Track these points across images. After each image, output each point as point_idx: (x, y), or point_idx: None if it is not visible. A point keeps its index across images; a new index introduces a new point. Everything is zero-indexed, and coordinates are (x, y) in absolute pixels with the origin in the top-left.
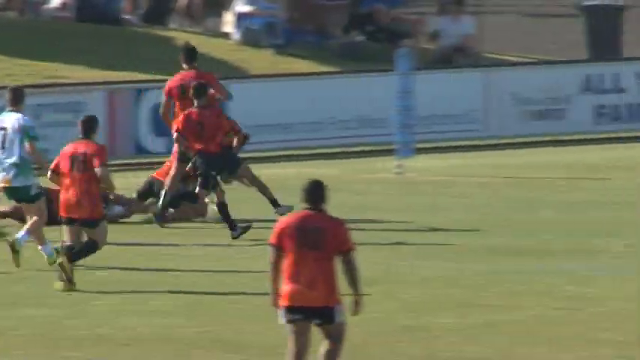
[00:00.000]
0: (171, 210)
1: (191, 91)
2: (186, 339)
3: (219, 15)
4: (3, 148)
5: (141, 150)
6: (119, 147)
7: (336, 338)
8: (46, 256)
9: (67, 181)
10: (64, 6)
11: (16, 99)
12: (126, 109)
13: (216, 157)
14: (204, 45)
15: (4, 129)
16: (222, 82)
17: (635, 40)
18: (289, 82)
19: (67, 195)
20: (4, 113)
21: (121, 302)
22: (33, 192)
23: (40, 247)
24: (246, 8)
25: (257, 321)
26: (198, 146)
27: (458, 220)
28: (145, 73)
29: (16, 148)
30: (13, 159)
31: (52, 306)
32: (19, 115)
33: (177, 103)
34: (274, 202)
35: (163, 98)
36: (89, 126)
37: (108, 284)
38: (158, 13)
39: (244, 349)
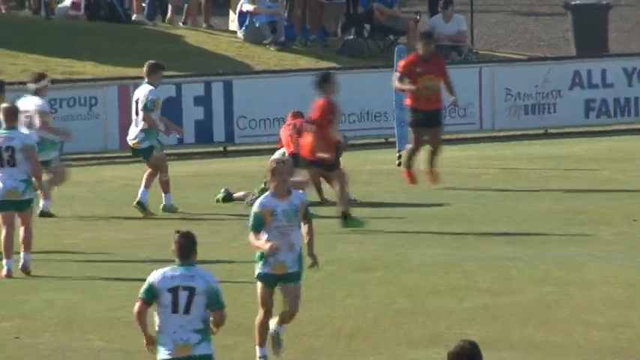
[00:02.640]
0: None
1: None
2: None
3: (225, 13)
4: (137, 115)
5: None
6: None
7: None
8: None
9: None
10: (76, 5)
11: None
12: None
13: None
14: (210, 42)
15: (137, 101)
16: (228, 77)
17: (620, 37)
18: (292, 78)
19: None
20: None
21: (136, 287)
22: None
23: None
24: (250, 7)
25: None
26: None
27: (454, 209)
28: None
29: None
30: (141, 125)
31: (71, 291)
32: (149, 87)
33: None
34: None
35: None
36: None
37: (123, 271)
38: (161, 10)
39: (253, 331)
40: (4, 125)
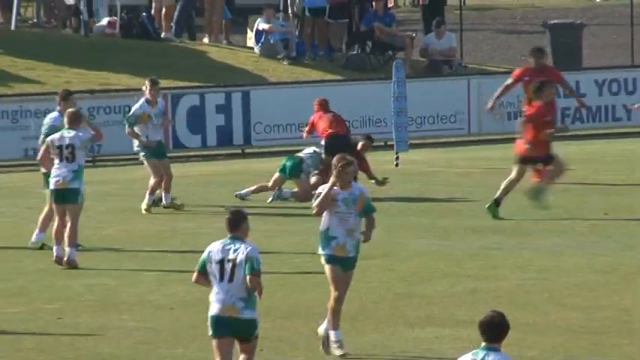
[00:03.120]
0: None
1: None
2: None
3: (244, 32)
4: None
5: (178, 145)
6: None
7: None
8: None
9: None
10: (111, 25)
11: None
12: (165, 110)
13: None
14: (230, 57)
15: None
16: (246, 87)
17: (592, 52)
18: (302, 89)
19: None
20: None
21: (166, 274)
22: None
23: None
24: (265, 26)
25: (284, 289)
26: None
27: (445, 204)
28: (181, 80)
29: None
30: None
31: (108, 277)
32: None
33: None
34: None
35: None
36: None
37: (154, 259)
38: (188, 28)
39: (272, 311)
40: (66, 126)
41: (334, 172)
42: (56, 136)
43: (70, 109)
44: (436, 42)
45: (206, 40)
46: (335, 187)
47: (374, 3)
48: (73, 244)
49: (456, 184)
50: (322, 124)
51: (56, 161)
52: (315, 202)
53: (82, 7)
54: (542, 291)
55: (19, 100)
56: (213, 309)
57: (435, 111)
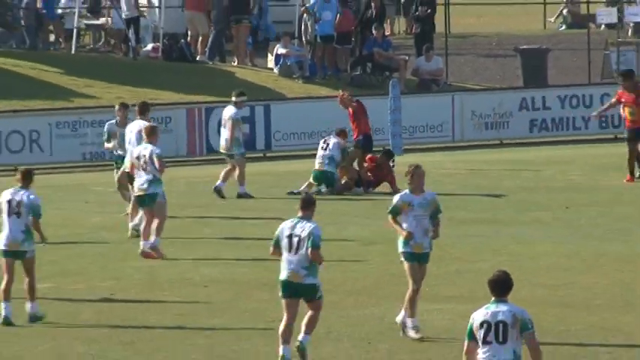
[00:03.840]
0: None
1: None
2: (248, 282)
3: (265, 55)
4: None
5: (210, 150)
6: (196, 148)
7: None
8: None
9: None
10: (155, 49)
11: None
12: (200, 121)
13: None
14: (253, 76)
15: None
16: (266, 102)
17: (556, 73)
18: (314, 103)
19: None
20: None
21: (202, 257)
22: None
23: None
24: (283, 50)
25: None
26: None
27: None
28: (213, 96)
29: None
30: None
31: (153, 259)
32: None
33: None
34: None
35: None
36: None
37: (191, 245)
38: (219, 53)
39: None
40: (145, 140)
41: (409, 179)
42: (138, 148)
43: (147, 125)
44: (426, 64)
45: (234, 62)
46: (410, 194)
47: (374, 31)
48: (158, 234)
49: (442, 182)
50: (363, 121)
51: (136, 171)
52: (391, 221)
53: (131, 34)
54: (515, 272)
55: (79, 113)
56: (282, 275)
57: (424, 121)
